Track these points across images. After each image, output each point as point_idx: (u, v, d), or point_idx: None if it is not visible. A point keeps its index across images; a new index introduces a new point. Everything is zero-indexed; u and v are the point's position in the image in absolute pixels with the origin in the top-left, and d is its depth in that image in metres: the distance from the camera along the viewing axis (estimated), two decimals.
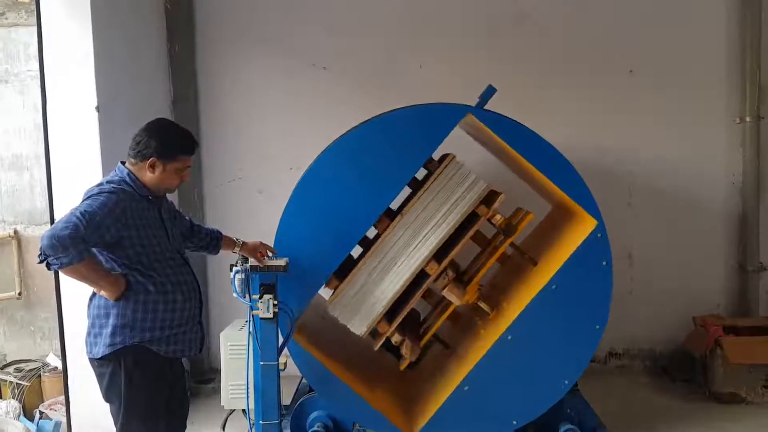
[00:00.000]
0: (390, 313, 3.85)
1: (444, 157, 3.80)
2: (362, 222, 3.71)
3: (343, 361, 4.04)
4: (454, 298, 3.79)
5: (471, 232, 3.76)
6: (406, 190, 3.87)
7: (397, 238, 3.74)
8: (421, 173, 3.87)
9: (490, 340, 3.73)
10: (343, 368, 3.95)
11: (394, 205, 3.92)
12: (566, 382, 3.74)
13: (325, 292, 4.03)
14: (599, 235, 3.64)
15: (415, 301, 3.84)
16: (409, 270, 3.74)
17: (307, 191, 3.78)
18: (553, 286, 3.65)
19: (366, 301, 3.77)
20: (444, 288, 3.80)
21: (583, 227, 3.73)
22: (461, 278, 4.00)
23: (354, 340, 3.92)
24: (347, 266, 3.85)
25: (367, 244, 3.95)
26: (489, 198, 3.79)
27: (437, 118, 3.71)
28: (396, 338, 3.86)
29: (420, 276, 3.82)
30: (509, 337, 3.68)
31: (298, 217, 3.78)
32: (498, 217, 3.77)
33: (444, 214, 3.70)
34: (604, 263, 3.67)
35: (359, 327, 3.79)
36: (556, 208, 4.58)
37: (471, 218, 3.79)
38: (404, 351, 3.86)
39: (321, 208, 3.74)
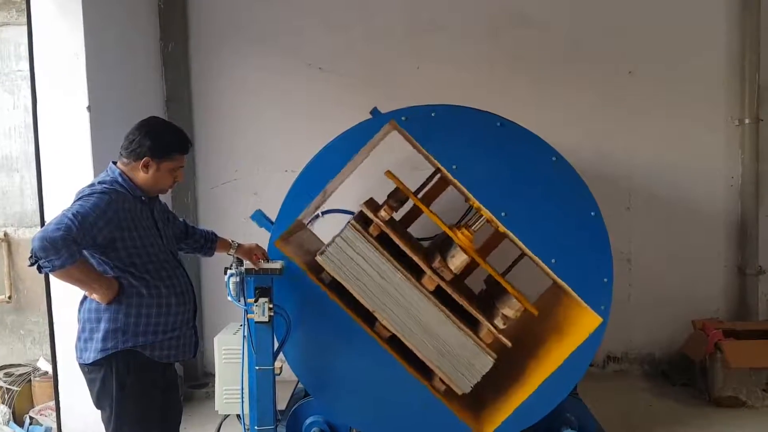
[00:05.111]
0: (474, 325, 3.77)
1: None
2: None
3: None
4: (463, 259, 3.68)
5: (396, 240, 3.68)
6: None
7: (395, 316, 3.66)
8: None
9: (502, 228, 3.71)
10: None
11: None
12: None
13: None
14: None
15: (464, 301, 3.73)
16: (428, 304, 3.67)
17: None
18: (453, 166, 3.66)
19: (455, 352, 3.69)
20: (451, 272, 3.72)
21: None
22: (448, 247, 3.92)
23: None
24: (418, 362, 3.76)
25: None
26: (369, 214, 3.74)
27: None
28: (499, 323, 3.72)
29: (438, 291, 3.74)
30: (503, 214, 3.65)
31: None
32: (383, 213, 3.69)
33: (372, 268, 3.63)
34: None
35: (486, 364, 3.71)
36: None
37: (385, 237, 3.72)
38: (514, 315, 3.73)
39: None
